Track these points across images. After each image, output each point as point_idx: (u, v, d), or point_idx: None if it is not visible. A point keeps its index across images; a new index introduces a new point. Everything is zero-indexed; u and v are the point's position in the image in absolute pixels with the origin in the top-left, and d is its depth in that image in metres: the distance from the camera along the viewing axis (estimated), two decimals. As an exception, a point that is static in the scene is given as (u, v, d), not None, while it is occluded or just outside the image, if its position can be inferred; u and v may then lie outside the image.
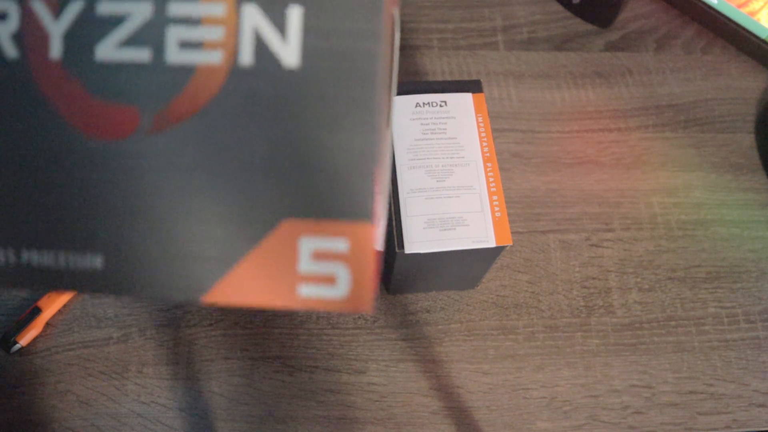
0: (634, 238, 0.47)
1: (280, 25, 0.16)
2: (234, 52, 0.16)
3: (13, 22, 0.17)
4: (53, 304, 0.41)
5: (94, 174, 0.17)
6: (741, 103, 0.52)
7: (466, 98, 0.37)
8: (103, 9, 0.16)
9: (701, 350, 0.43)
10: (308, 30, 0.16)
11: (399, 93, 0.37)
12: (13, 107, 0.17)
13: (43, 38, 0.17)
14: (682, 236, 0.47)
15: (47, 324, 0.41)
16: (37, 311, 0.40)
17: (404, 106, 0.37)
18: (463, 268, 0.38)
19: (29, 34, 0.17)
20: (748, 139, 0.51)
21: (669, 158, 0.50)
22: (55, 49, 0.17)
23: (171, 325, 0.42)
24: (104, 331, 0.42)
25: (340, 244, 0.16)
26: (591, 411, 0.41)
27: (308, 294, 0.17)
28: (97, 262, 0.17)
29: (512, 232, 0.46)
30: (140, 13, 0.16)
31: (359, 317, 0.43)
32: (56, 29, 0.17)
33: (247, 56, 0.16)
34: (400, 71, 0.52)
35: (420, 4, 0.55)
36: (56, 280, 0.17)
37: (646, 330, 0.44)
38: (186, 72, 0.16)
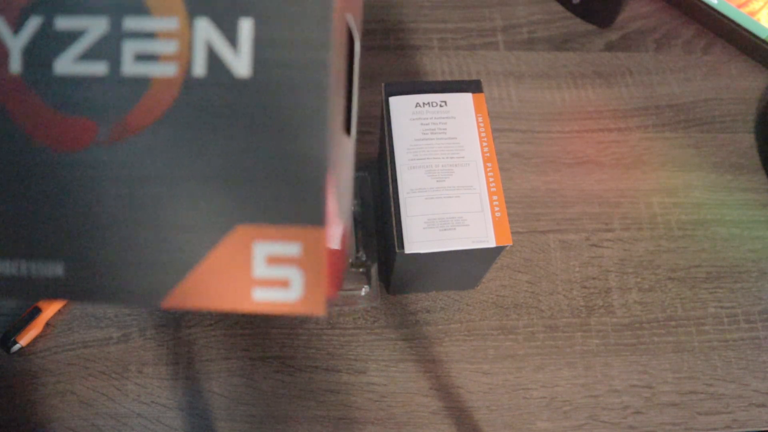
0: (634, 238, 0.47)
1: (232, 37, 0.17)
2: (187, 64, 0.17)
3: None
4: (53, 304, 0.41)
5: (54, 184, 0.17)
6: (741, 103, 0.52)
7: (466, 98, 0.37)
8: (62, 24, 0.17)
9: (701, 350, 0.43)
10: (259, 41, 0.17)
11: (399, 93, 0.37)
12: None
13: (3, 53, 0.17)
14: (682, 236, 0.47)
15: (47, 324, 0.41)
16: (37, 311, 0.40)
17: (404, 106, 0.37)
18: (463, 268, 0.38)
19: None
20: (748, 139, 0.51)
21: (669, 158, 0.50)
22: (15, 64, 0.17)
23: (171, 325, 0.42)
24: (104, 331, 0.42)
25: (293, 248, 0.17)
26: (591, 411, 0.41)
27: (263, 297, 0.17)
28: (58, 270, 0.17)
29: (512, 232, 0.46)
30: (97, 28, 0.17)
31: (359, 317, 0.43)
32: (15, 44, 0.17)
33: (200, 68, 0.17)
34: (400, 71, 0.52)
35: (420, 4, 0.55)
36: (19, 288, 0.17)
37: (646, 330, 0.44)
38: (141, 84, 0.17)
